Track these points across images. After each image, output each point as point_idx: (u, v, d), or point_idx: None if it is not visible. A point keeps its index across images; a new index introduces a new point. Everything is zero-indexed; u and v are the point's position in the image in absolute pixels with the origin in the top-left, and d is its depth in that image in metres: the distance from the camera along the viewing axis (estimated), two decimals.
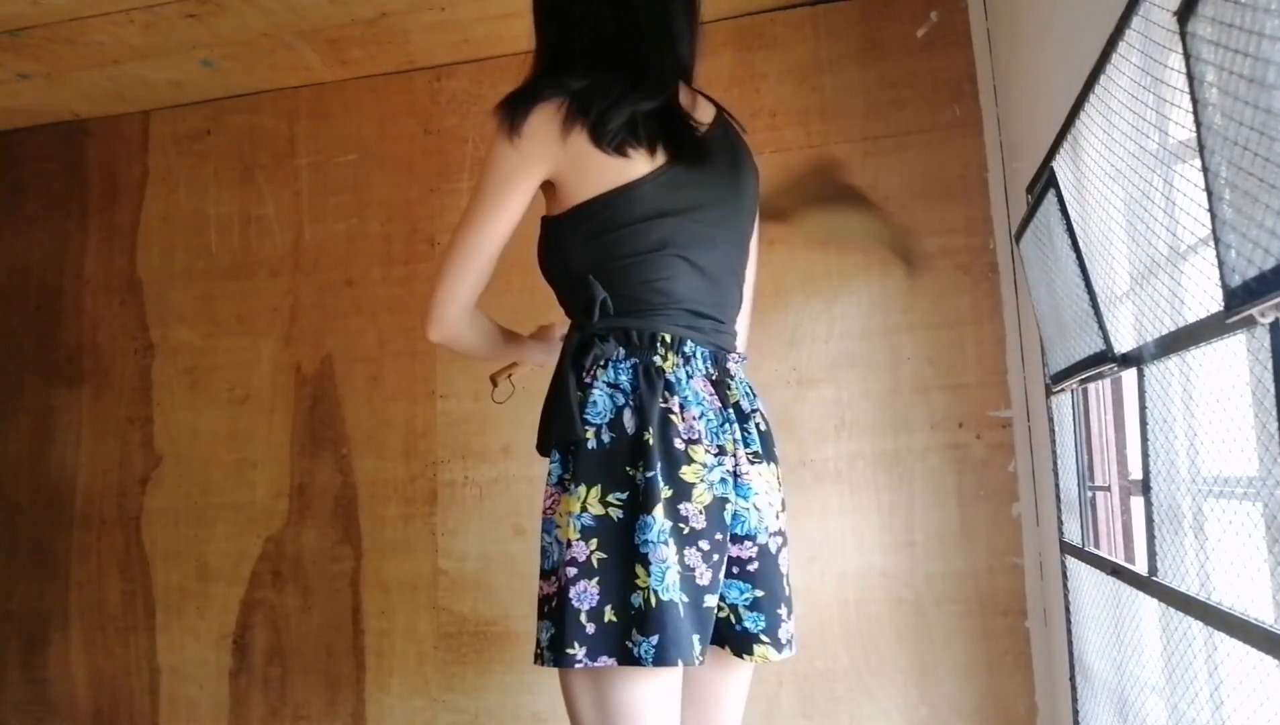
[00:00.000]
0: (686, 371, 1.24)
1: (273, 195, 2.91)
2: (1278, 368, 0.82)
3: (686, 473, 1.18)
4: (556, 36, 1.34)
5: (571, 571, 1.17)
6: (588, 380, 1.23)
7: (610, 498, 1.18)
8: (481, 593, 2.61)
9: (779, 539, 1.28)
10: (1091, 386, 1.68)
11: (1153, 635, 1.37)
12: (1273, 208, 0.70)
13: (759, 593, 1.25)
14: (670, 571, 1.15)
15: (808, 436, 2.41)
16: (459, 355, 2.67)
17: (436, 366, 2.71)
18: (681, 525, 1.17)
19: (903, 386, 2.38)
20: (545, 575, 1.23)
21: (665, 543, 1.15)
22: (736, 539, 1.24)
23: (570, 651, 1.15)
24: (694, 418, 1.21)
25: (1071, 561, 1.85)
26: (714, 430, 1.23)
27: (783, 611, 1.26)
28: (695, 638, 1.16)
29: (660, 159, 1.25)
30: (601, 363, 1.24)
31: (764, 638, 1.24)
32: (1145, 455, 1.28)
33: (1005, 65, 2.26)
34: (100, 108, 3.01)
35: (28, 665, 2.93)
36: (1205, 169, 0.84)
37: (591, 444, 1.20)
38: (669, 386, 1.21)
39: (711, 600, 1.19)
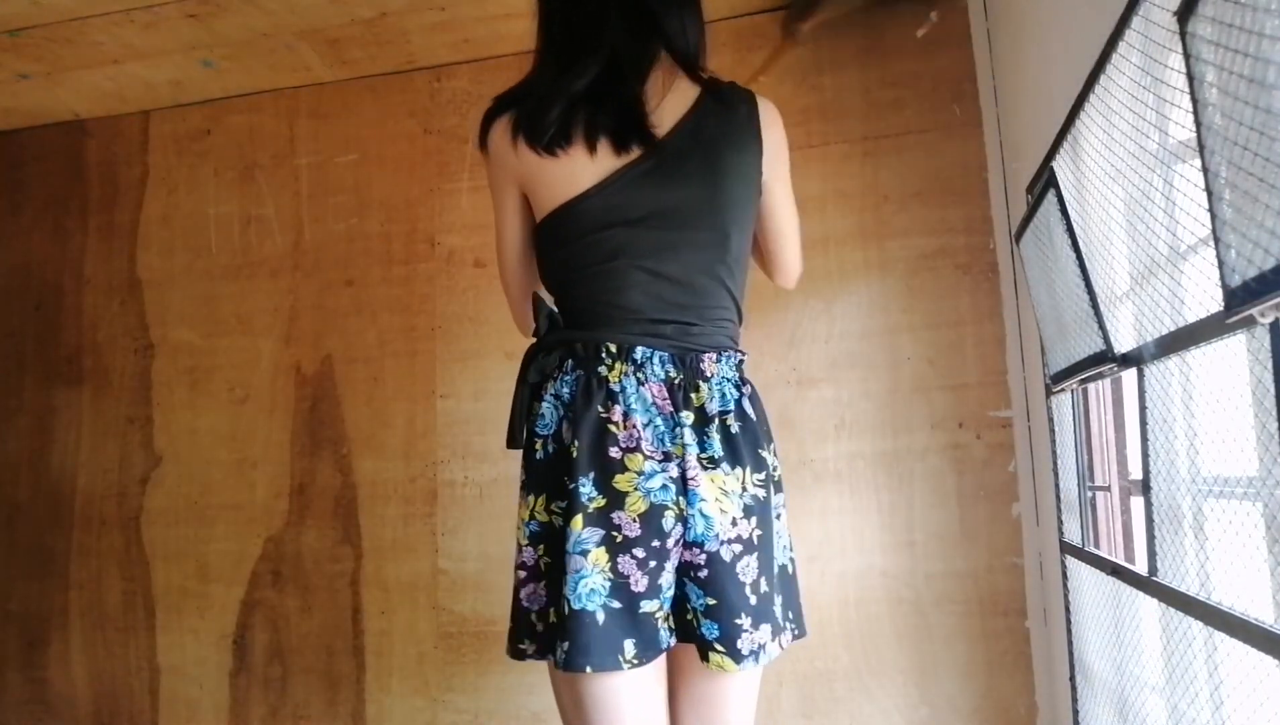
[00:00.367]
0: (637, 378, 1.23)
1: (273, 195, 2.91)
2: (1278, 368, 0.82)
3: (620, 481, 1.19)
4: (540, 30, 1.35)
5: (522, 574, 1.24)
6: (543, 392, 1.27)
7: (553, 506, 1.23)
8: (481, 593, 2.61)
9: (736, 547, 1.22)
10: (1091, 386, 1.68)
11: (1153, 635, 1.37)
12: (1273, 208, 0.70)
13: (711, 600, 1.22)
14: (586, 580, 1.16)
15: (808, 436, 2.41)
16: (460, 355, 2.70)
17: (436, 366, 2.71)
18: (614, 533, 1.18)
19: (903, 386, 2.38)
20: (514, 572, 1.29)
21: (584, 553, 1.17)
22: (688, 545, 1.22)
23: (522, 647, 1.24)
24: (637, 425, 1.20)
25: (1071, 561, 1.85)
26: (661, 436, 1.21)
27: (743, 621, 1.21)
28: (629, 642, 1.18)
29: (608, 161, 1.24)
30: (551, 376, 1.26)
31: (719, 646, 1.21)
32: (1145, 455, 1.28)
33: (1005, 65, 2.26)
34: (100, 108, 3.01)
35: (28, 665, 2.93)
36: (1205, 169, 0.84)
37: (539, 454, 1.25)
38: (611, 396, 1.22)
39: (650, 606, 1.20)
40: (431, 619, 2.64)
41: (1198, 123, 0.85)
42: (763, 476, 1.27)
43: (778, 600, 1.28)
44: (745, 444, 1.26)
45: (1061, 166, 1.60)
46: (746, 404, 1.29)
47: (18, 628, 2.96)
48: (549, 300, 1.35)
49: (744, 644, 1.21)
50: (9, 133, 3.15)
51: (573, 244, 1.26)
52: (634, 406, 1.21)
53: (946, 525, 2.31)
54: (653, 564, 1.19)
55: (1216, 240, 0.82)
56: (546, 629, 1.22)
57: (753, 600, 1.23)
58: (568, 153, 1.23)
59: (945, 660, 2.28)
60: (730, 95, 1.34)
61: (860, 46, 2.49)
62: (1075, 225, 1.44)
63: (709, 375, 1.26)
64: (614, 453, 1.19)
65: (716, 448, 1.23)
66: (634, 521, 1.18)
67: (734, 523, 1.22)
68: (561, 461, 1.22)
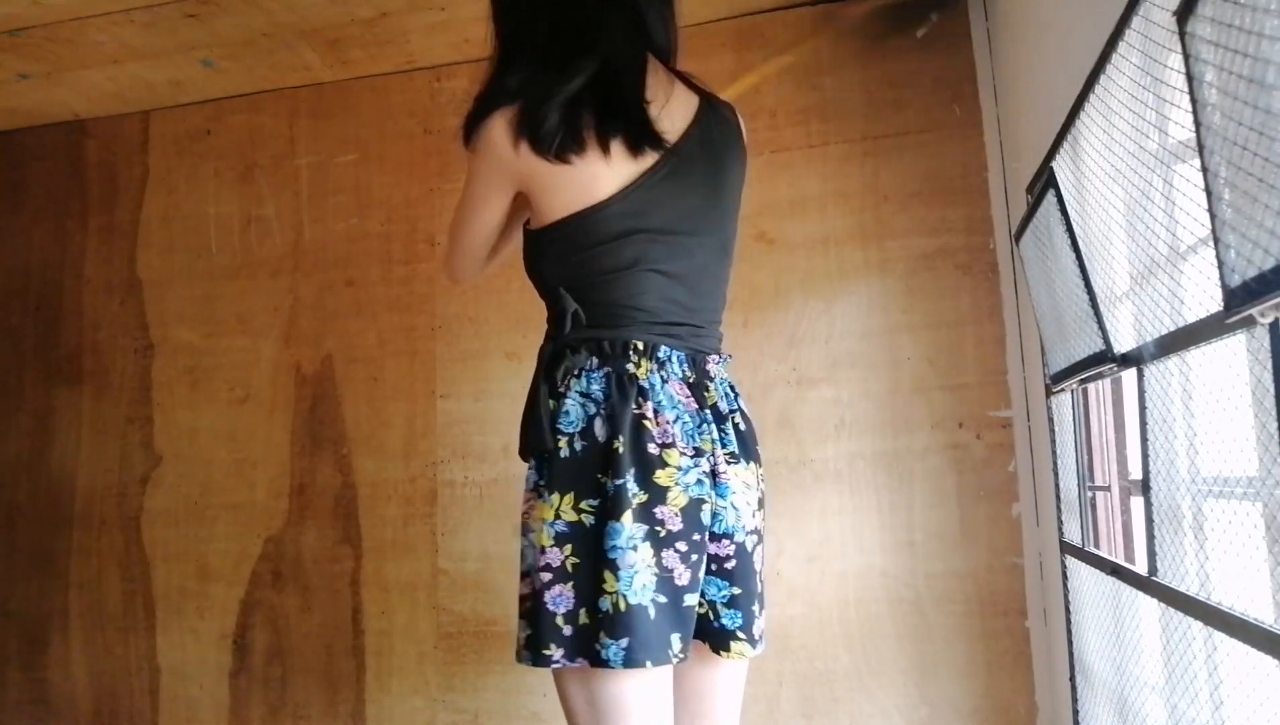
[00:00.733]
0: (661, 376, 1.25)
1: (273, 195, 2.91)
2: (1278, 368, 0.82)
3: (660, 477, 1.20)
4: (511, 29, 1.36)
5: (546, 576, 1.21)
6: (562, 390, 1.25)
7: (583, 504, 1.21)
8: (481, 593, 2.61)
9: (754, 537, 1.30)
10: (1091, 386, 1.68)
11: (1153, 635, 1.37)
12: (1273, 208, 0.70)
13: (736, 590, 1.27)
14: (639, 576, 1.17)
15: (808, 436, 2.41)
16: (460, 355, 2.70)
17: (436, 366, 2.71)
18: (658, 529, 1.20)
19: (903, 386, 2.38)
20: (523, 577, 1.26)
21: (634, 548, 1.17)
22: (715, 537, 1.26)
23: (547, 652, 1.19)
24: (668, 422, 1.23)
25: (1071, 561, 1.85)
26: (690, 432, 1.24)
27: (755, 608, 1.29)
28: (675, 636, 1.19)
29: (625, 167, 1.23)
30: (575, 373, 1.25)
31: (740, 634, 1.27)
32: (1145, 455, 1.28)
33: (1005, 65, 2.26)
34: (100, 108, 3.01)
35: (28, 665, 2.93)
36: (1205, 169, 0.84)
37: (564, 453, 1.23)
38: (642, 392, 1.23)
39: (692, 599, 1.22)
40: (431, 619, 2.64)
41: (1197, 123, 0.85)
42: (762, 472, 1.35)
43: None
44: (750, 441, 1.32)
45: (1061, 166, 1.60)
46: (743, 404, 1.35)
47: (18, 628, 2.96)
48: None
49: (756, 629, 1.28)
50: (9, 133, 3.15)
51: (591, 249, 1.25)
52: (663, 403, 1.24)
53: (946, 525, 2.31)
54: (694, 557, 1.22)
55: (1216, 240, 0.82)
56: (576, 631, 1.20)
57: (760, 588, 1.30)
58: (583, 158, 1.22)
59: (945, 660, 2.28)
60: (723, 106, 1.39)
61: (860, 46, 2.50)
62: (1075, 225, 1.44)
63: (713, 376, 1.31)
64: (652, 449, 1.21)
65: (734, 443, 1.29)
66: (676, 516, 1.20)
67: (754, 514, 1.30)
68: (595, 459, 1.21)
